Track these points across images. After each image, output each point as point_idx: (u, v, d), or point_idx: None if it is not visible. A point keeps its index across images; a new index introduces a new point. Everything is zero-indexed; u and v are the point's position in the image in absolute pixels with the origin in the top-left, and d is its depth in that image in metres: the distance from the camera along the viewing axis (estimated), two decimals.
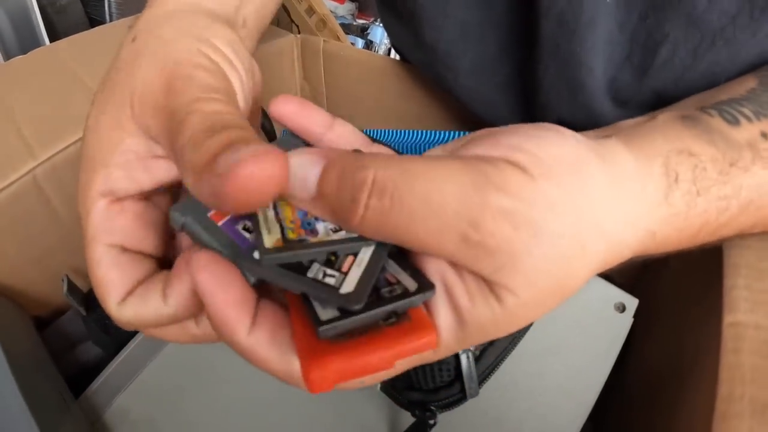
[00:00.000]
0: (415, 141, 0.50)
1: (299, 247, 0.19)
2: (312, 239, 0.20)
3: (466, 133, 0.48)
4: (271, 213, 0.21)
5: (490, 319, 0.19)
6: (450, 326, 0.20)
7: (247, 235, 0.22)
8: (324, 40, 0.58)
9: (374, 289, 0.19)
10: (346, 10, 1.81)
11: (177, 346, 0.42)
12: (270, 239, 0.19)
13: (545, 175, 0.19)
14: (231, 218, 0.22)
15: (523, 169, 0.19)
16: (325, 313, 0.18)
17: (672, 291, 0.44)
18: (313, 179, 0.19)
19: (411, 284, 0.20)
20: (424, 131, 0.50)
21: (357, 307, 0.18)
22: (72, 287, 0.47)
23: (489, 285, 0.19)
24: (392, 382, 0.35)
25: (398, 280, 0.20)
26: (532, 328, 0.41)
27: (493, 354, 0.36)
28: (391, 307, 0.19)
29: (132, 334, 0.44)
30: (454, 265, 0.20)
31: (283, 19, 0.77)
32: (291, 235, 0.20)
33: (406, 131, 0.49)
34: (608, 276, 0.46)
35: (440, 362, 0.33)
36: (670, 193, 0.21)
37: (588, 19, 0.32)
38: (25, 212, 0.47)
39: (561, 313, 0.42)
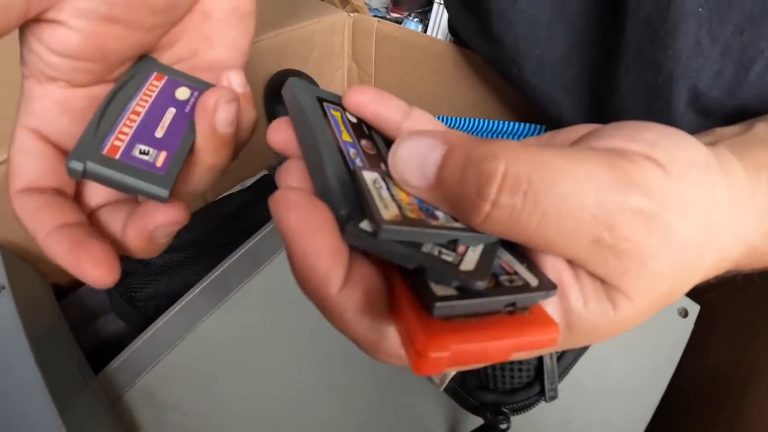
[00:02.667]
0: (470, 129, 0.47)
1: (421, 225, 0.17)
2: (434, 222, 0.17)
3: (539, 126, 0.46)
4: (385, 192, 0.18)
5: (599, 324, 0.19)
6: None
7: (145, 157, 0.21)
8: (378, 20, 0.55)
9: (493, 275, 0.17)
10: (380, 3, 1.79)
11: (210, 326, 0.40)
12: (388, 213, 0.17)
13: (682, 177, 0.17)
14: (126, 147, 0.21)
15: (662, 166, 0.17)
16: (439, 290, 0.16)
17: (734, 298, 0.44)
18: (432, 165, 0.17)
19: (531, 279, 0.18)
20: (481, 119, 0.47)
21: (480, 284, 0.16)
22: None
23: (607, 289, 0.18)
24: (461, 381, 0.33)
25: (515, 271, 0.18)
26: None
27: (572, 354, 0.33)
28: (512, 297, 0.17)
29: (159, 310, 0.41)
30: (571, 263, 0.19)
31: None
32: (411, 214, 0.17)
33: (474, 119, 0.46)
34: None
35: (519, 362, 0.31)
36: None
37: (673, 26, 0.31)
38: None
39: None
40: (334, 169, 0.19)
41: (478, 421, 0.33)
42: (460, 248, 0.18)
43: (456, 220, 0.18)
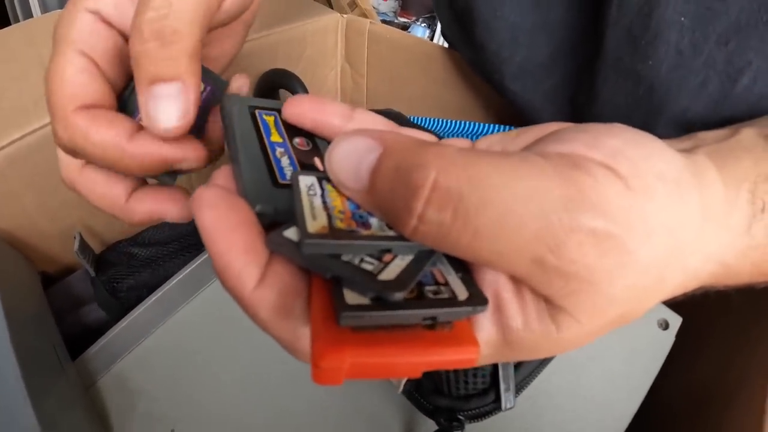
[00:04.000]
0: (458, 131, 0.48)
1: (347, 237, 0.16)
2: (363, 232, 0.17)
3: (512, 128, 0.46)
4: (318, 200, 0.18)
5: (540, 344, 0.17)
6: (493, 343, 0.18)
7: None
8: (371, 22, 0.56)
9: (418, 284, 0.17)
10: (388, 7, 1.80)
11: (185, 316, 0.40)
12: (314, 225, 0.16)
13: (647, 193, 0.16)
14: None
15: (624, 180, 0.15)
16: (352, 298, 0.16)
17: (719, 310, 0.43)
18: (366, 168, 0.16)
19: (461, 291, 0.17)
20: (469, 122, 0.48)
21: (398, 295, 0.15)
22: (84, 245, 0.45)
23: (550, 309, 0.17)
24: (417, 384, 0.32)
25: (447, 281, 0.17)
26: None
27: (532, 363, 0.32)
28: (432, 312, 0.16)
29: (140, 301, 0.42)
30: (513, 278, 0.17)
31: None
32: (339, 225, 0.17)
33: (450, 121, 0.47)
34: None
35: (474, 367, 0.30)
36: (753, 223, 0.19)
37: (654, 35, 0.29)
38: (45, 162, 0.46)
39: None
40: (250, 166, 0.19)
41: (435, 426, 0.32)
42: (387, 256, 0.17)
43: (389, 228, 0.17)
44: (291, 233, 0.17)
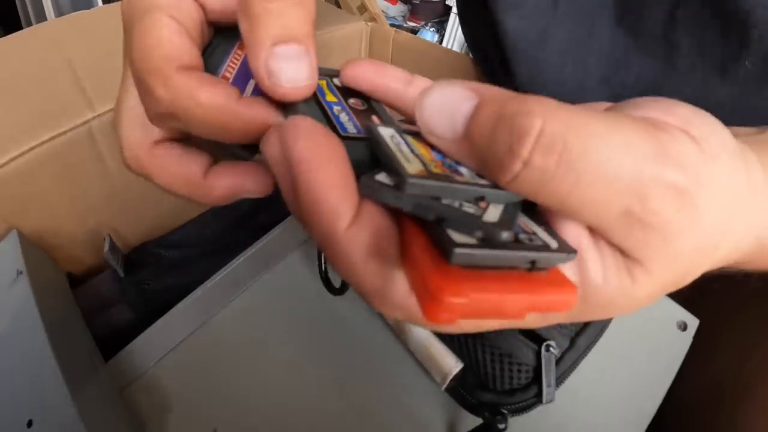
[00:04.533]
0: None
1: (447, 180, 0.16)
2: (459, 178, 0.17)
3: None
4: (405, 148, 0.17)
5: (614, 297, 0.18)
6: None
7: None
8: (396, 30, 0.56)
9: (513, 233, 0.17)
10: (397, 11, 1.80)
11: (219, 321, 0.41)
12: (412, 167, 0.16)
13: (715, 157, 0.17)
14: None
15: (697, 143, 0.16)
16: (459, 238, 0.15)
17: (733, 312, 0.45)
18: (461, 117, 0.16)
19: (551, 241, 0.17)
20: None
21: (505, 235, 0.15)
22: (113, 247, 0.46)
23: (627, 262, 0.17)
24: (462, 380, 0.33)
25: (534, 231, 0.17)
26: None
27: (570, 358, 0.34)
28: (533, 254, 0.16)
29: (169, 303, 0.42)
30: (592, 231, 0.18)
31: None
32: (435, 170, 0.16)
33: None
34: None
35: (519, 363, 0.31)
36: None
37: None
38: (76, 164, 0.46)
39: (624, 326, 0.43)
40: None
41: (477, 422, 0.33)
42: (482, 203, 0.17)
43: (481, 177, 0.17)
44: (383, 177, 0.17)
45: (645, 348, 0.42)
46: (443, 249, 0.15)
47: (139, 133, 0.22)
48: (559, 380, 0.34)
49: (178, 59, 0.19)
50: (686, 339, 0.43)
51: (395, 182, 0.16)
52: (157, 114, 0.20)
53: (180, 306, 0.39)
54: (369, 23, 0.59)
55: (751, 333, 0.43)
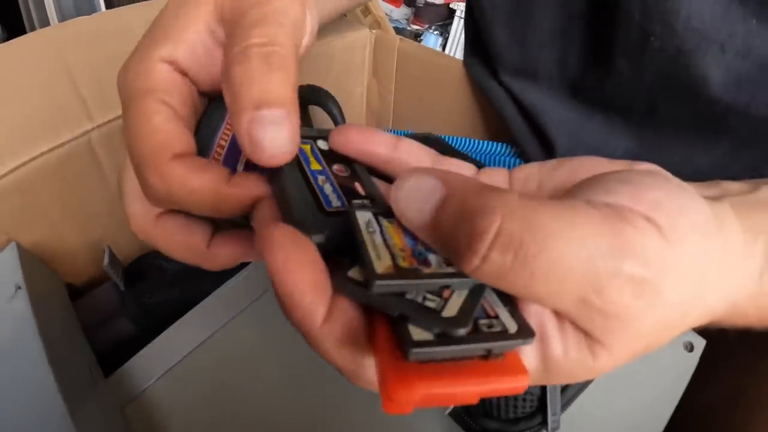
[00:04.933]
0: (485, 152, 0.48)
1: (412, 275, 0.17)
2: (425, 270, 0.18)
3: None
4: (378, 238, 0.19)
5: (575, 370, 0.19)
6: (534, 370, 0.19)
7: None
8: (401, 39, 0.56)
9: (473, 319, 0.18)
10: (401, 14, 1.80)
11: (222, 337, 0.40)
12: (380, 265, 0.17)
13: (680, 243, 0.18)
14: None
15: (662, 232, 0.17)
16: (417, 334, 0.17)
17: (738, 334, 0.44)
18: (429, 207, 0.18)
19: (511, 324, 0.18)
20: (496, 143, 0.48)
21: (461, 332, 0.17)
22: (113, 259, 0.45)
23: (588, 341, 0.19)
24: (466, 407, 0.33)
25: (497, 314, 0.18)
26: None
27: (576, 386, 0.34)
28: (489, 345, 0.17)
29: (171, 316, 0.41)
30: (556, 312, 0.19)
31: None
32: (403, 264, 0.18)
33: (478, 141, 0.47)
34: None
35: (525, 391, 0.31)
36: (765, 272, 0.21)
37: None
38: (75, 175, 0.46)
39: None
40: (298, 197, 0.20)
41: None
42: (446, 292, 0.18)
43: (447, 264, 0.18)
44: (355, 273, 0.18)
45: (651, 369, 0.42)
46: (401, 347, 0.16)
47: (141, 207, 0.24)
48: (564, 407, 0.34)
49: (171, 148, 0.20)
50: (693, 360, 0.42)
51: (364, 279, 0.17)
52: (154, 199, 0.21)
53: (181, 321, 0.39)
54: (373, 31, 0.58)
55: (754, 357, 0.42)
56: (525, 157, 0.46)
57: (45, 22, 1.09)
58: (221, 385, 0.38)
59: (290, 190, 0.20)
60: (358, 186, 0.23)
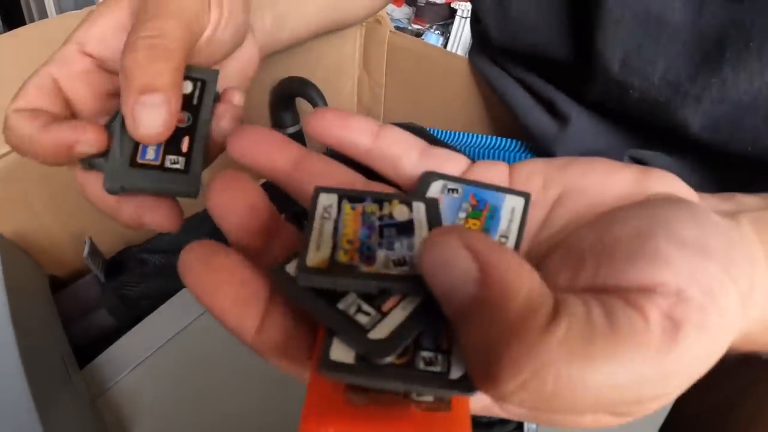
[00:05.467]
0: (477, 145, 0.47)
1: (343, 274, 0.16)
2: (364, 268, 0.16)
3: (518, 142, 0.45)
4: (329, 226, 0.17)
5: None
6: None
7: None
8: (391, 31, 0.55)
9: (415, 347, 0.15)
10: (402, 14, 1.79)
11: (199, 328, 0.39)
12: (315, 257, 0.16)
13: (705, 327, 0.15)
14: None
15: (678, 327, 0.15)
16: (338, 353, 0.15)
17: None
18: (464, 293, 0.14)
19: (458, 367, 0.15)
20: (488, 136, 0.47)
21: (379, 361, 0.14)
22: (94, 250, 0.45)
23: None
24: None
25: (450, 348, 0.15)
26: None
27: None
28: (413, 387, 0.15)
29: (150, 309, 0.41)
30: None
31: None
32: (342, 258, 0.16)
33: (469, 134, 0.46)
34: None
35: None
36: None
37: None
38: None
39: None
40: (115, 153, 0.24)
41: None
42: (388, 303, 0.16)
43: (398, 265, 0.16)
44: (290, 268, 0.17)
45: None
46: (316, 361, 0.15)
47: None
48: None
49: (29, 104, 0.25)
50: None
51: (295, 274, 0.16)
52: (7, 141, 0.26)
53: (155, 314, 0.38)
54: (363, 24, 0.58)
55: (750, 367, 0.41)
56: (533, 141, 0.45)
57: (44, 16, 1.09)
58: (193, 377, 0.37)
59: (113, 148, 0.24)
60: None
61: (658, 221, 0.17)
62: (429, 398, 0.15)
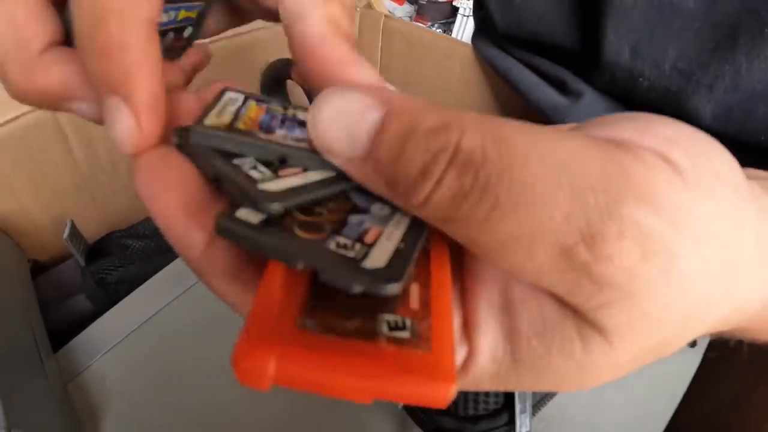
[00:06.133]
0: None
1: (240, 134, 0.15)
2: (262, 135, 0.16)
3: None
4: (232, 108, 0.17)
5: (555, 365, 0.14)
6: (493, 358, 0.15)
7: None
8: (385, 15, 0.53)
9: (335, 230, 0.14)
10: (404, 12, 1.79)
11: (172, 312, 0.38)
12: (213, 121, 0.16)
13: (705, 193, 0.13)
14: None
15: (679, 172, 0.13)
16: (244, 214, 0.13)
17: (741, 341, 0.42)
18: (365, 131, 0.14)
19: (377, 259, 0.13)
20: None
21: (271, 207, 0.13)
22: (74, 233, 0.43)
23: (577, 320, 0.14)
24: None
25: (375, 242, 0.14)
26: None
27: None
28: (310, 261, 0.13)
29: (129, 293, 0.39)
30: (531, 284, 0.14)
31: None
32: (239, 126, 0.16)
33: None
34: None
35: None
36: None
37: None
38: (40, 146, 0.44)
39: None
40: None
41: None
42: (285, 171, 0.15)
43: (298, 141, 0.16)
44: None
45: (648, 368, 0.38)
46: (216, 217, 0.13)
47: None
48: (538, 406, 0.29)
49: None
50: (695, 358, 0.39)
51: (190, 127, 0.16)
52: None
53: (129, 298, 0.37)
54: (358, 9, 0.56)
55: (757, 365, 0.39)
56: (542, 115, 0.43)
57: None
58: (165, 362, 0.36)
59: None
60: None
61: (654, 117, 0.15)
62: (404, 334, 0.12)
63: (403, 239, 0.14)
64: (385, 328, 0.13)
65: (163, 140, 0.17)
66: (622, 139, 0.14)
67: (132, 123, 0.16)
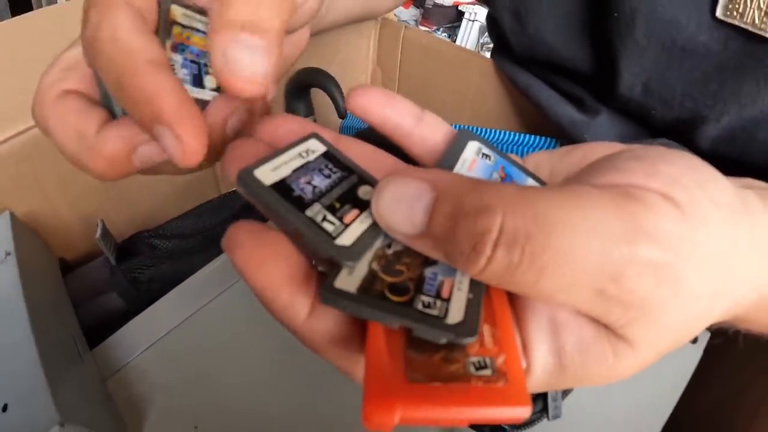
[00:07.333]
0: (492, 140, 0.47)
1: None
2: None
3: (552, 139, 0.46)
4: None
5: (594, 371, 0.17)
6: (545, 370, 0.18)
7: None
8: (405, 26, 0.55)
9: (416, 288, 0.16)
10: (409, 15, 1.80)
11: (210, 312, 0.40)
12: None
13: (702, 222, 0.16)
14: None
15: (681, 210, 0.16)
16: (344, 281, 0.16)
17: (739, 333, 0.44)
18: (420, 214, 0.16)
19: (456, 314, 0.16)
20: (502, 131, 0.47)
21: (349, 263, 0.16)
22: (106, 233, 0.45)
23: (609, 336, 0.17)
24: None
25: (450, 297, 0.16)
26: None
27: None
28: (407, 323, 0.15)
29: (160, 293, 0.41)
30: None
31: None
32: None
33: (483, 129, 0.46)
34: None
35: None
36: None
37: None
38: None
39: None
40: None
41: None
42: (349, 216, 0.17)
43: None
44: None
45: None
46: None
47: (56, 76, 0.22)
48: (565, 393, 0.33)
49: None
50: (696, 353, 0.41)
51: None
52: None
53: (167, 297, 0.38)
54: (379, 19, 0.58)
55: (755, 358, 0.41)
56: (561, 130, 0.45)
57: (53, 2, 1.09)
58: (203, 361, 0.37)
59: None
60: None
61: (654, 152, 0.18)
62: (487, 372, 0.15)
63: (471, 289, 0.17)
64: (472, 369, 0.15)
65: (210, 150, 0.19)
66: (630, 184, 0.17)
67: (173, 140, 0.18)
